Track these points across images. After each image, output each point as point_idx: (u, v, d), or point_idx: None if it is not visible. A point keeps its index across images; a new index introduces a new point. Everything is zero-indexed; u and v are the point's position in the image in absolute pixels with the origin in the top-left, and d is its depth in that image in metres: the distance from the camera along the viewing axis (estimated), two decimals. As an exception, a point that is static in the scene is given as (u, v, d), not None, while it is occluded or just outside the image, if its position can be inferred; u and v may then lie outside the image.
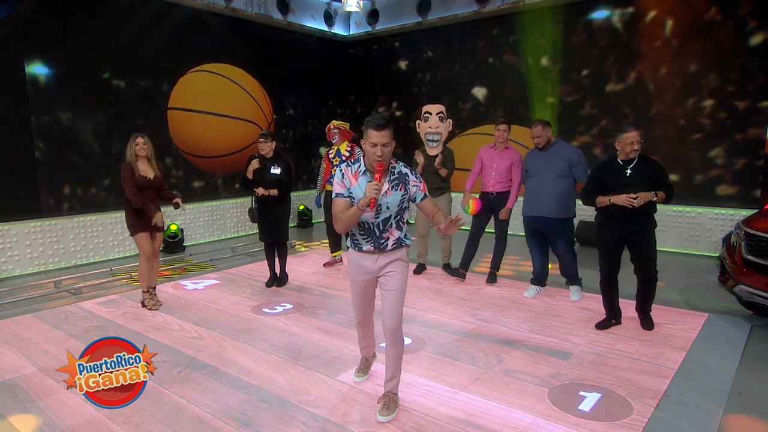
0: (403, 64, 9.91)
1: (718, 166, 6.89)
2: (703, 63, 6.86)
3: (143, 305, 4.88)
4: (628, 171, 4.01)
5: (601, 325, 4.37)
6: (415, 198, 2.89)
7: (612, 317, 4.39)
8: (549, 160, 4.85)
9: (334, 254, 6.49)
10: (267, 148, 5.32)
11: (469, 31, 8.90)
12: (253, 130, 8.79)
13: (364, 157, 2.84)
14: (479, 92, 8.93)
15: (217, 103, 8.36)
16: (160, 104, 7.66)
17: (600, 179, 4.13)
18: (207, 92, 8.23)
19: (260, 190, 5.26)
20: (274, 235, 5.52)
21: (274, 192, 5.27)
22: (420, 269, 6.10)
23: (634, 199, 3.87)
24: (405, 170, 2.87)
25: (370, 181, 2.70)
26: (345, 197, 2.80)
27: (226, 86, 8.49)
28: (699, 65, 6.89)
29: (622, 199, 3.93)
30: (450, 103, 8.16)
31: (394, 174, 2.83)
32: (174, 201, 4.86)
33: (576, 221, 5.47)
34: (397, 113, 9.97)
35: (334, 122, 6.17)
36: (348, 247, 3.01)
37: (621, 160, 4.06)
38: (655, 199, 3.89)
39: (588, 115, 7.86)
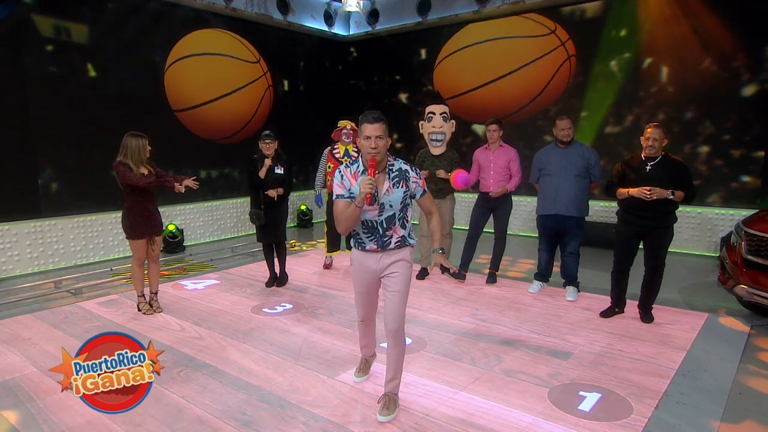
0: (403, 97, 9.97)
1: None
2: (699, 111, 6.91)
3: (138, 309, 4.85)
4: (648, 167, 4.12)
5: (606, 313, 4.57)
6: (415, 194, 2.91)
7: (616, 306, 4.57)
8: (569, 159, 4.86)
9: (330, 254, 6.48)
10: (271, 148, 5.32)
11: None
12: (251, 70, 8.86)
13: (361, 157, 2.84)
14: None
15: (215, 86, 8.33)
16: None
17: (622, 172, 4.27)
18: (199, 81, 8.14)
19: (272, 192, 5.26)
20: (275, 235, 5.52)
21: (280, 191, 5.33)
22: (423, 274, 5.79)
23: (649, 192, 3.97)
24: (405, 167, 2.88)
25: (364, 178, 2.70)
26: (345, 198, 2.80)
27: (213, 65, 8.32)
28: (695, 113, 6.94)
29: (637, 191, 4.04)
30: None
31: (394, 171, 2.83)
32: (185, 183, 4.56)
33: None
34: (398, 145, 9.97)
35: (351, 123, 6.10)
36: (350, 248, 3.01)
37: (644, 156, 4.16)
38: (672, 197, 3.97)
39: None
